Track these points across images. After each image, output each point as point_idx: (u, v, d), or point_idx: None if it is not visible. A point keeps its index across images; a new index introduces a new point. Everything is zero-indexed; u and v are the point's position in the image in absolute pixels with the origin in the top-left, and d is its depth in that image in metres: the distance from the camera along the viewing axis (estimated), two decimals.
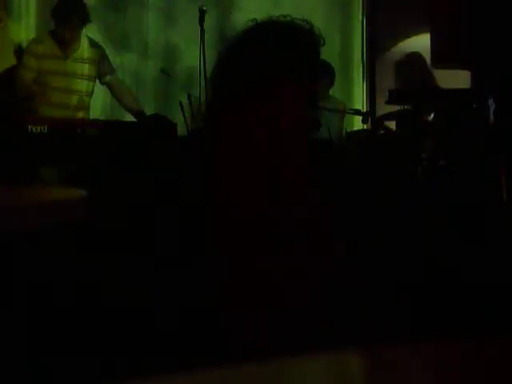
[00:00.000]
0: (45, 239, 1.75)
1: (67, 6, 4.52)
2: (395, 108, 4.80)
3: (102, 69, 4.83)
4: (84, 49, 4.72)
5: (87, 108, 4.80)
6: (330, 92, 5.50)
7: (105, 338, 1.62)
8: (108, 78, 4.87)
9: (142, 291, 1.56)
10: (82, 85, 4.73)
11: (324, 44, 1.67)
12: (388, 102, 4.68)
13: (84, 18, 4.57)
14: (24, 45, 4.93)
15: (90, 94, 4.80)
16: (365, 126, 5.49)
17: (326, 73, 5.35)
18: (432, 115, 4.83)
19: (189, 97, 4.46)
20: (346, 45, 6.78)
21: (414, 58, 5.26)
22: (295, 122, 1.63)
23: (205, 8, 4.78)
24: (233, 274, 1.54)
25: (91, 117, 4.81)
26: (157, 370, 1.39)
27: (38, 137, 3.84)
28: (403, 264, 2.76)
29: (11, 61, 4.85)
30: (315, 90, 1.68)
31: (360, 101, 6.67)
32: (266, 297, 1.53)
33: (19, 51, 4.91)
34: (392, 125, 4.96)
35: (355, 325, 1.56)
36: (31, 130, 3.85)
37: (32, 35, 5.31)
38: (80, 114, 4.70)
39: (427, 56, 5.36)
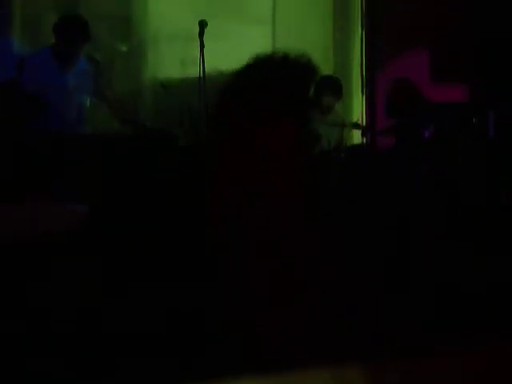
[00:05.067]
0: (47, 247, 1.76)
1: (69, 23, 4.56)
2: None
3: (99, 82, 4.86)
4: (81, 62, 4.75)
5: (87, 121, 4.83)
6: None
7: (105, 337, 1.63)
8: (105, 91, 4.91)
9: (144, 294, 1.56)
10: (81, 98, 4.76)
11: (319, 76, 1.71)
12: (386, 116, 4.72)
13: (85, 36, 4.60)
14: None
15: (90, 107, 4.84)
16: (364, 140, 5.51)
17: (335, 88, 5.40)
18: (430, 128, 4.85)
19: (189, 109, 4.47)
20: (344, 58, 6.80)
21: (401, 84, 5.23)
22: (289, 156, 1.66)
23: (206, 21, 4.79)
24: (231, 276, 1.55)
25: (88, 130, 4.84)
26: (155, 371, 1.39)
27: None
28: (404, 270, 2.76)
29: None
30: (309, 118, 1.72)
31: (359, 114, 6.68)
32: (266, 298, 1.54)
33: None
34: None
35: (355, 326, 1.57)
36: None
37: None
38: (80, 128, 4.73)
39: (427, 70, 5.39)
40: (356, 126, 5.64)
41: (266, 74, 1.69)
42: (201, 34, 4.74)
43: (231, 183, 1.63)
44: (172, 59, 6.02)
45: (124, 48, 6.00)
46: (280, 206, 1.64)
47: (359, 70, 6.72)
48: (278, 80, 1.68)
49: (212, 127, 1.77)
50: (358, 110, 6.68)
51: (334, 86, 5.41)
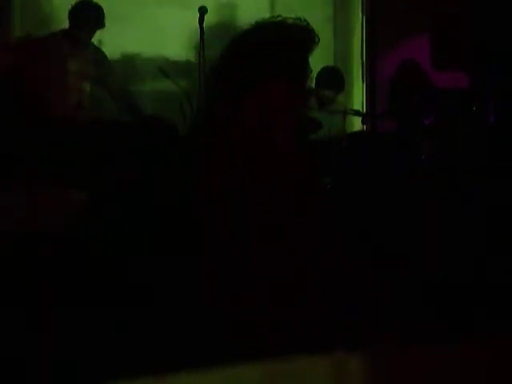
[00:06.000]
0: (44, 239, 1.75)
1: (85, 9, 4.61)
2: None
3: (103, 69, 4.89)
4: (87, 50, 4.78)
5: (85, 107, 4.85)
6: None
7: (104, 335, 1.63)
8: (107, 78, 4.93)
9: (145, 295, 1.56)
10: (84, 84, 4.80)
11: (319, 41, 1.72)
12: (389, 100, 4.70)
13: (100, 22, 4.66)
14: None
15: (88, 93, 4.87)
16: (365, 127, 5.49)
17: (337, 80, 5.38)
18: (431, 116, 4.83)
19: (188, 97, 4.45)
20: (345, 44, 6.78)
21: (407, 65, 5.21)
22: (286, 117, 1.67)
23: (206, 8, 4.77)
24: (232, 275, 1.54)
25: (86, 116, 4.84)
26: (157, 369, 1.39)
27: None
28: (404, 263, 2.76)
29: None
30: (306, 84, 1.73)
31: (360, 101, 6.66)
32: (268, 296, 1.53)
33: None
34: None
35: (355, 323, 1.56)
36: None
37: None
38: (79, 113, 4.74)
39: (427, 56, 5.37)
40: (357, 113, 5.62)
41: (264, 39, 1.70)
42: (201, 21, 4.70)
43: (231, 159, 1.63)
44: None
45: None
46: (279, 188, 1.64)
47: (360, 56, 6.69)
48: (276, 44, 1.69)
49: (211, 94, 1.77)
50: (358, 97, 6.66)
51: (336, 79, 5.40)
